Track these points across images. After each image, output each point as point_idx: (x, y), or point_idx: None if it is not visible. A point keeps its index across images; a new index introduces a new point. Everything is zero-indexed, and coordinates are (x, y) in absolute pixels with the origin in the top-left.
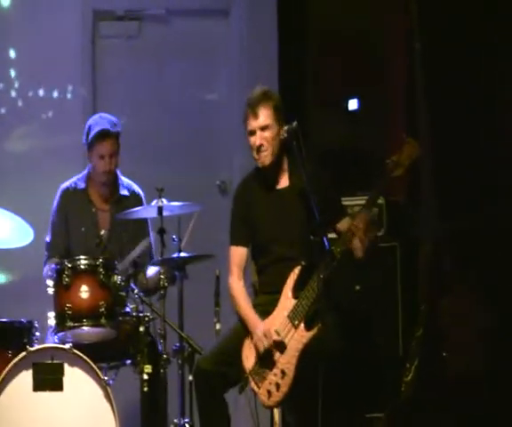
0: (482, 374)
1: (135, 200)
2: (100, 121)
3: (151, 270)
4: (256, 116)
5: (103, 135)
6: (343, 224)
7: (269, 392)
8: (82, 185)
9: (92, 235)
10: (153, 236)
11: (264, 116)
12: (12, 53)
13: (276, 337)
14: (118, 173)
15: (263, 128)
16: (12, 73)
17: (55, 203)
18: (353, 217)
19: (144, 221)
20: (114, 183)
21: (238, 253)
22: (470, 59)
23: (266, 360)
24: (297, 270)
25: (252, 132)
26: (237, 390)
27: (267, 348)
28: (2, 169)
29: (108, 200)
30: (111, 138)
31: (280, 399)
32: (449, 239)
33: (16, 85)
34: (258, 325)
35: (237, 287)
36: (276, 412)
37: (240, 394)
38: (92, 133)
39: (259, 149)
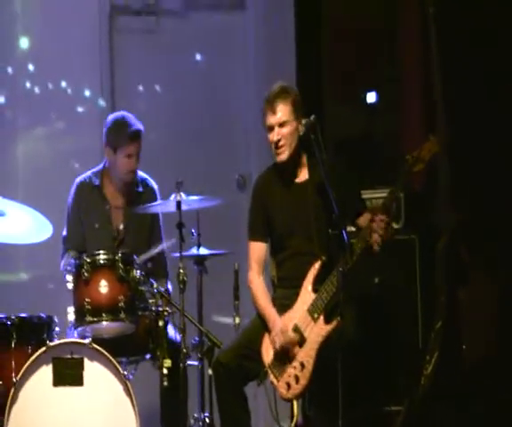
0: (499, 363)
1: (149, 195)
2: (128, 122)
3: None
4: (274, 112)
5: (136, 135)
6: (363, 219)
7: (288, 385)
8: (96, 181)
9: (105, 232)
10: (165, 243)
11: (282, 112)
12: (30, 49)
13: (292, 335)
14: None
15: (281, 124)
16: (30, 69)
17: (70, 197)
18: (373, 213)
19: (158, 226)
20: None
21: (257, 249)
22: (491, 45)
23: (285, 353)
24: (317, 265)
25: (270, 128)
26: (256, 384)
27: (283, 345)
28: (20, 165)
29: (122, 197)
30: (140, 138)
31: (299, 392)
32: (466, 230)
33: (33, 81)
34: (276, 321)
35: (257, 283)
36: (296, 404)
37: (259, 386)
38: (125, 134)
39: (276, 144)
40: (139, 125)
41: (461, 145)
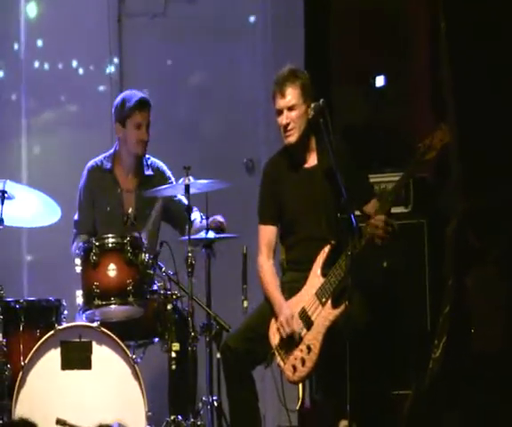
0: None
1: (160, 177)
2: (135, 93)
3: (198, 219)
4: (283, 95)
5: (143, 104)
6: (370, 206)
7: (294, 367)
8: (108, 165)
9: (117, 215)
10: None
11: (291, 95)
12: (39, 33)
13: (298, 323)
14: None
15: (290, 108)
16: (39, 52)
17: (82, 182)
18: (380, 198)
19: (175, 208)
20: (140, 163)
21: (267, 232)
22: (495, 37)
23: (292, 336)
24: (326, 249)
25: (280, 112)
26: (264, 367)
27: (288, 333)
28: (29, 148)
29: (133, 181)
30: (148, 108)
31: (305, 375)
32: (475, 216)
33: (43, 64)
34: (282, 308)
35: (266, 267)
36: (301, 387)
37: (266, 369)
38: (132, 102)
39: (285, 127)
40: (146, 96)
41: (465, 137)
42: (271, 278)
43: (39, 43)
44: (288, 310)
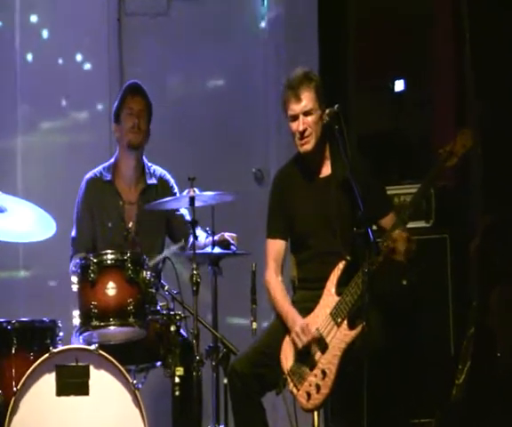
0: None
1: (164, 187)
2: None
3: (202, 238)
4: (298, 99)
5: (134, 89)
6: (388, 220)
7: (309, 394)
8: (108, 176)
9: (118, 229)
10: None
11: (307, 99)
12: (38, 34)
13: (315, 333)
14: (145, 160)
15: (306, 112)
16: (35, 52)
17: (80, 195)
18: (398, 212)
19: (180, 220)
20: (141, 172)
21: (275, 247)
22: None
23: (306, 360)
24: (341, 266)
25: (295, 117)
26: (275, 393)
27: (305, 345)
28: (23, 160)
29: (135, 191)
30: (141, 95)
31: (320, 402)
32: (500, 229)
33: (39, 64)
34: (297, 320)
35: (274, 282)
36: (316, 416)
37: (277, 396)
38: (123, 89)
39: (302, 134)
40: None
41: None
42: (281, 293)
43: (36, 42)
44: (302, 320)
